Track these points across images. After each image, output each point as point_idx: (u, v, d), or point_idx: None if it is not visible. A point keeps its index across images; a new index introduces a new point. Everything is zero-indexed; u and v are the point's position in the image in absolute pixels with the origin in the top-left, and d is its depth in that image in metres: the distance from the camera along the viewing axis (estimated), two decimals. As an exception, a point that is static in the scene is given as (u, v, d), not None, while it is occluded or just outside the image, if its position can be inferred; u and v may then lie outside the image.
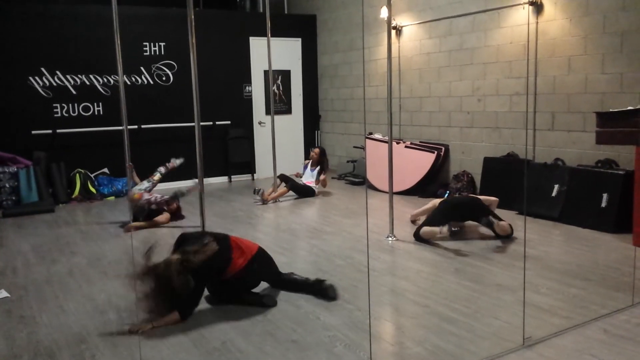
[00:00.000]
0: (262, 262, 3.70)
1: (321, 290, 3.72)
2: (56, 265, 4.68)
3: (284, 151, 8.93)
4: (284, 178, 7.34)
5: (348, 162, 8.85)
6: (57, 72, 7.67)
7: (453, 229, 4.96)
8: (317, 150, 7.64)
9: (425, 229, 4.94)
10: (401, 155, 7.27)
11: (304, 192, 7.36)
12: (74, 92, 7.80)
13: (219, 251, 3.41)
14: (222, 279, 3.55)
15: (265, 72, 8.89)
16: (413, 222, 5.61)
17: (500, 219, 4.96)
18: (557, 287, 3.80)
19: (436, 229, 4.85)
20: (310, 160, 7.66)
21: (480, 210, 5.02)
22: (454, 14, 6.90)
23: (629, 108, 4.51)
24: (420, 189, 7.24)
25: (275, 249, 5.00)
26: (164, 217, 6.01)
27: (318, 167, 7.53)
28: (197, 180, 6.22)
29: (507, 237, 4.95)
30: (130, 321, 3.42)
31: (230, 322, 3.39)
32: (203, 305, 3.67)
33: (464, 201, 5.31)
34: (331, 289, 3.71)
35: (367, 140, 8.11)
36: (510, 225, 4.94)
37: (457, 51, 6.99)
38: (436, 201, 5.41)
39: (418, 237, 4.98)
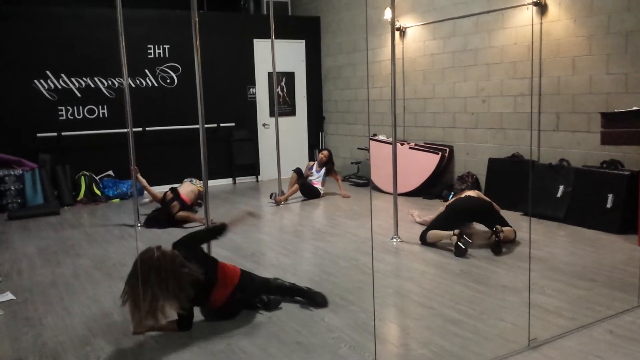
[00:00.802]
0: (244, 289, 3.49)
1: (309, 296, 3.66)
2: (61, 267, 4.69)
3: (288, 153, 8.91)
4: (299, 172, 7.39)
5: (352, 163, 8.86)
6: (62, 75, 7.71)
7: (460, 243, 4.62)
8: (325, 152, 7.64)
9: (432, 232, 4.88)
10: (405, 157, 7.26)
11: (310, 193, 7.37)
12: (78, 95, 7.84)
13: (202, 282, 3.23)
14: (208, 307, 3.45)
15: (269, 74, 8.89)
16: (420, 223, 5.57)
17: (505, 224, 4.87)
18: (562, 288, 3.79)
19: (444, 233, 4.74)
20: (316, 162, 7.66)
21: (491, 217, 4.92)
22: (458, 15, 6.90)
23: (634, 108, 4.51)
24: (425, 190, 7.23)
25: (279, 251, 5.01)
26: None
27: (324, 169, 7.52)
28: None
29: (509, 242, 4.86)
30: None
31: (235, 324, 3.39)
32: (208, 307, 3.68)
33: (476, 205, 5.03)
34: (320, 296, 3.65)
35: (371, 141, 8.11)
36: (514, 231, 4.88)
37: (461, 52, 6.98)
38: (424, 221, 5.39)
39: (424, 241, 4.94)
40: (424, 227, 5.15)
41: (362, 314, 3.48)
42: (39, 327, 3.45)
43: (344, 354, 2.95)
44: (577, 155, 5.77)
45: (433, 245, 4.89)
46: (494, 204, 5.12)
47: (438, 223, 4.98)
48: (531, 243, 4.73)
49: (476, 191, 5.41)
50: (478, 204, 5.04)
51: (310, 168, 7.73)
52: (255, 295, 3.57)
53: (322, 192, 7.45)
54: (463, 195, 5.17)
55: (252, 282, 3.57)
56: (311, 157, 9.80)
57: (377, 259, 4.58)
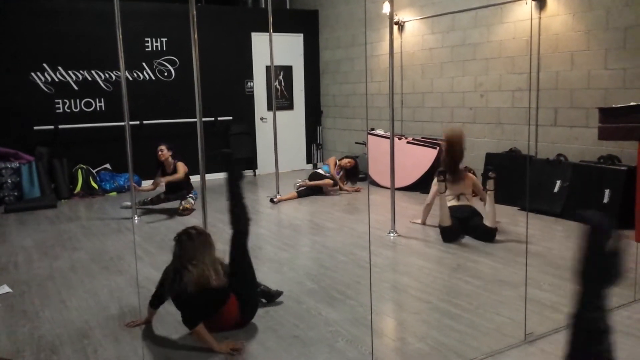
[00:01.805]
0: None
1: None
2: (58, 260, 4.69)
3: (285, 147, 8.92)
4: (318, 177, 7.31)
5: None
6: (59, 68, 7.67)
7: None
8: (352, 161, 7.45)
9: (441, 216, 4.84)
10: (403, 151, 7.25)
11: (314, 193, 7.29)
12: (76, 88, 7.81)
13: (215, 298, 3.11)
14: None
15: (267, 68, 8.87)
16: (423, 223, 5.53)
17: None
18: (558, 283, 3.80)
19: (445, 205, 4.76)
20: (339, 164, 7.48)
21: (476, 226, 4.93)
22: (457, 9, 6.88)
23: (632, 104, 4.51)
24: (422, 185, 7.22)
25: (277, 245, 5.01)
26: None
27: (342, 173, 7.42)
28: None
29: (490, 235, 4.81)
30: (132, 316, 3.43)
31: (232, 317, 3.39)
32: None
33: (470, 214, 5.00)
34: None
35: (369, 136, 8.10)
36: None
37: (460, 47, 6.97)
38: (426, 205, 5.44)
39: (446, 235, 4.87)
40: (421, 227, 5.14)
41: (359, 308, 3.48)
42: (36, 320, 3.45)
43: (341, 348, 2.96)
44: (574, 151, 5.77)
45: (452, 239, 4.87)
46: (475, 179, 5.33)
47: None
48: (528, 238, 4.73)
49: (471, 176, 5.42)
50: (476, 216, 5.00)
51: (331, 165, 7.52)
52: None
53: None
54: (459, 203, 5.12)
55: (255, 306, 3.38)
56: (309, 152, 9.81)
57: (374, 253, 4.58)
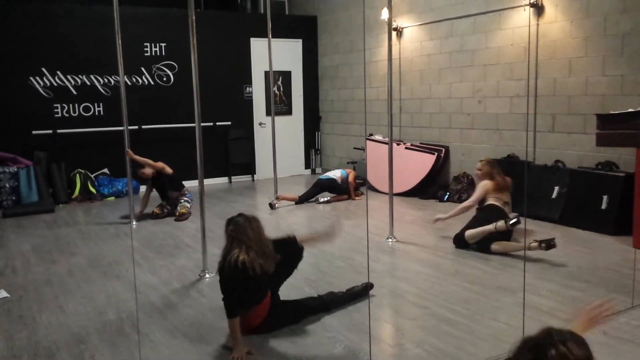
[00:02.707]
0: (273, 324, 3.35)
1: (357, 292, 3.68)
2: (56, 265, 4.68)
3: (284, 152, 8.93)
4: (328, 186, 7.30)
5: (348, 163, 8.85)
6: (58, 72, 7.68)
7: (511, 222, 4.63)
8: (353, 184, 7.41)
9: (471, 230, 4.73)
10: (401, 157, 7.27)
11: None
12: (74, 93, 7.81)
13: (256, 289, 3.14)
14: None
15: (266, 73, 8.89)
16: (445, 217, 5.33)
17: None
18: (556, 289, 3.80)
19: (486, 228, 4.61)
20: (347, 177, 7.45)
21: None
22: (455, 15, 6.91)
23: (630, 110, 4.52)
24: (421, 191, 7.24)
25: (275, 250, 4.99)
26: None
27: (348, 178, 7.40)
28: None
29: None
30: (130, 322, 3.42)
31: (230, 323, 3.38)
32: (203, 306, 3.68)
33: (499, 214, 4.87)
34: (367, 286, 3.69)
35: (367, 141, 8.11)
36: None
37: (458, 53, 6.99)
38: (465, 206, 5.17)
39: (460, 243, 4.80)
40: (420, 229, 5.10)
41: (357, 313, 3.48)
42: (33, 325, 3.44)
43: (339, 354, 2.96)
44: (572, 157, 5.78)
45: (467, 247, 4.78)
46: (506, 177, 5.13)
47: (476, 223, 4.84)
48: (526, 244, 4.73)
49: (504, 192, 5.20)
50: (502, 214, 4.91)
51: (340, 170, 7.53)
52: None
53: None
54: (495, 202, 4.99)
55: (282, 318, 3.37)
56: (307, 157, 9.82)
57: (372, 258, 4.58)
